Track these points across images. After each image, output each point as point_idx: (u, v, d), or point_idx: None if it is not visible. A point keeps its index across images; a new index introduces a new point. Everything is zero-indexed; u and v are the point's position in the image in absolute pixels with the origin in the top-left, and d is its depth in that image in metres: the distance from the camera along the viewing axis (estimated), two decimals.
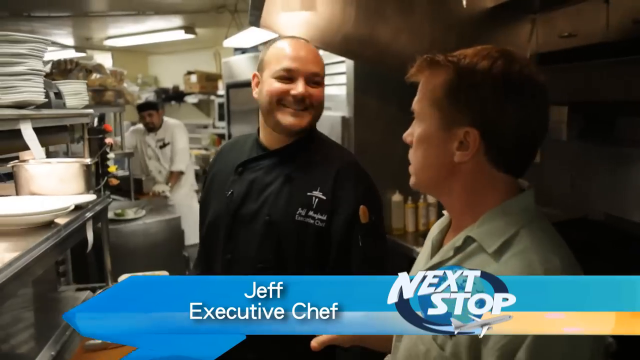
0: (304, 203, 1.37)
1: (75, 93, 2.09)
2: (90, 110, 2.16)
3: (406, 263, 2.64)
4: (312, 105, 1.40)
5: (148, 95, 7.06)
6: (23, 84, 1.50)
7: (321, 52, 3.56)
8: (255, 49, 5.09)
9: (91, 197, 2.02)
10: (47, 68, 4.12)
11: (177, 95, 7.00)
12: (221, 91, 5.75)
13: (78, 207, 1.96)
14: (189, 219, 4.44)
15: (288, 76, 1.38)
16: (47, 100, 1.71)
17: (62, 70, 3.77)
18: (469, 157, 0.89)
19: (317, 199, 1.37)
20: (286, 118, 1.38)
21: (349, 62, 2.99)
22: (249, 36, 4.03)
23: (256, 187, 1.42)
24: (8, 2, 4.04)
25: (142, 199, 4.38)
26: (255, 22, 2.36)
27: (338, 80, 3.33)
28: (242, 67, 4.83)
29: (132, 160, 4.71)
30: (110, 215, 3.80)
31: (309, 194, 1.37)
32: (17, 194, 2.07)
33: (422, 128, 0.93)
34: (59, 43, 6.14)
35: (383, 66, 2.58)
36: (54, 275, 2.32)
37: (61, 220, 1.76)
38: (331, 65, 3.43)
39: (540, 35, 2.30)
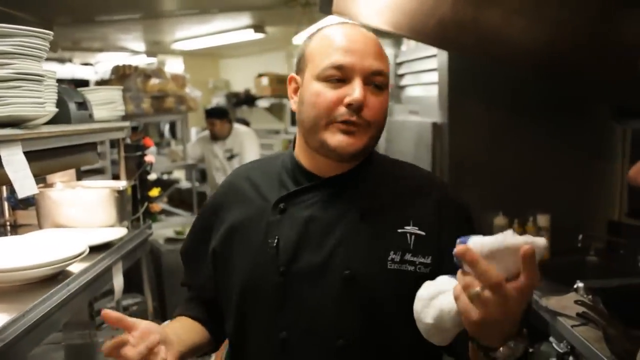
0: (395, 244, 1.02)
1: (106, 102, 1.70)
2: (125, 123, 1.77)
3: None
4: (370, 122, 0.99)
5: (218, 100, 6.81)
6: (8, 94, 1.10)
7: (410, 44, 3.05)
8: None
9: (120, 231, 1.63)
10: (107, 74, 3.88)
11: (248, 99, 6.68)
12: None
13: (106, 246, 1.58)
14: None
15: (339, 76, 0.98)
16: (56, 112, 1.31)
17: (120, 75, 3.51)
18: None
19: (413, 236, 1.02)
20: (335, 137, 0.99)
21: (442, 57, 2.44)
22: None
23: (315, 230, 1.02)
24: (70, 8, 3.81)
25: None
26: (326, 8, 1.89)
27: (426, 78, 2.79)
28: None
29: (196, 171, 4.39)
30: (170, 233, 3.49)
31: (400, 230, 1.02)
32: (39, 225, 1.72)
33: None
34: (130, 49, 6.00)
35: (489, 58, 2.02)
36: (87, 319, 1.96)
37: (78, 267, 1.39)
38: (417, 62, 2.90)
39: None
